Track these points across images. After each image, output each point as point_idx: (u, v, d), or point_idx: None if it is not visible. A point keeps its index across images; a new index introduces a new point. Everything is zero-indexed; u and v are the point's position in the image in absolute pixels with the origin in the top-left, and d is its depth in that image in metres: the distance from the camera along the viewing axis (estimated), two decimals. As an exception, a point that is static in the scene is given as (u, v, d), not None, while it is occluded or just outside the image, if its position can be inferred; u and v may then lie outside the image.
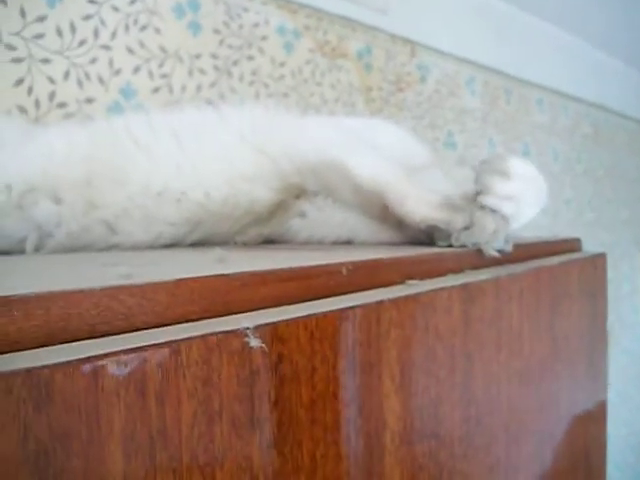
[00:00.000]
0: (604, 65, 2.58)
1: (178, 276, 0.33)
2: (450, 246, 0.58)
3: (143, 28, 1.02)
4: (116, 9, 0.98)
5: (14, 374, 0.25)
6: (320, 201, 0.73)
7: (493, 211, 0.56)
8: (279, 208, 0.71)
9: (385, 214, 0.62)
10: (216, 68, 1.12)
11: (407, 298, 0.43)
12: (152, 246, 0.69)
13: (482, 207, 0.57)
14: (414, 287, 0.46)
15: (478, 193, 0.56)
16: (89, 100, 0.95)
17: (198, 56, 1.09)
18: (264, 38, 1.20)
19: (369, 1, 1.42)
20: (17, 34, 0.89)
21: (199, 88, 1.09)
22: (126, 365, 0.28)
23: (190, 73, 1.08)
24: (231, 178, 0.70)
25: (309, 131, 0.72)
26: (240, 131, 0.74)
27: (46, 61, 0.91)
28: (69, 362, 0.26)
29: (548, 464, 0.67)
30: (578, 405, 0.74)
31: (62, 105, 0.93)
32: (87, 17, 0.95)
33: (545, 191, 0.60)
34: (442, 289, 0.47)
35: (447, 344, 0.48)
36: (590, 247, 0.82)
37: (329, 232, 0.72)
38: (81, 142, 0.69)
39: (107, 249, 0.68)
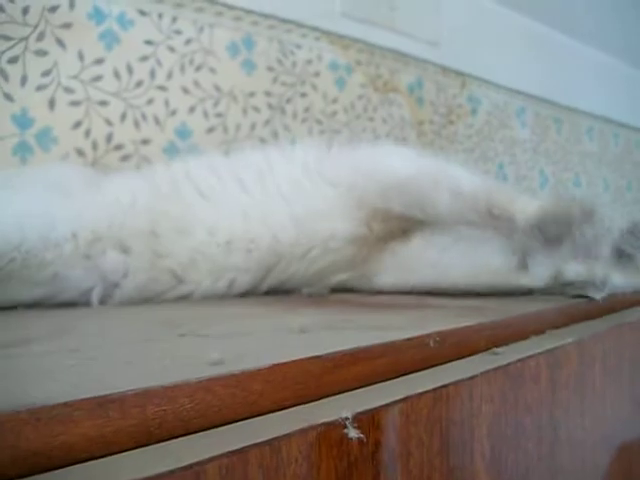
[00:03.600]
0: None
1: (271, 361, 0.32)
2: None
3: (198, 68, 1.01)
4: (172, 49, 0.98)
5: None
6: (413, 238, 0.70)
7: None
8: (363, 245, 0.69)
9: (485, 219, 0.60)
10: (270, 106, 1.11)
11: (497, 370, 0.41)
12: (224, 295, 0.68)
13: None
14: (501, 356, 0.44)
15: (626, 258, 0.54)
16: (145, 141, 0.95)
17: (252, 94, 1.09)
18: (316, 74, 1.19)
19: (420, 34, 1.41)
20: (75, 77, 0.89)
21: (253, 126, 1.08)
22: (228, 470, 0.26)
23: (244, 111, 1.07)
24: (300, 217, 0.69)
25: (392, 151, 0.71)
26: (305, 165, 0.72)
27: (103, 103, 0.91)
28: (172, 472, 0.24)
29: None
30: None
31: (119, 147, 0.92)
32: (144, 58, 0.95)
33: None
34: (529, 357, 0.45)
35: (535, 414, 0.45)
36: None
37: (417, 274, 0.69)
38: (144, 192, 0.69)
39: (174, 299, 0.67)
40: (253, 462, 0.27)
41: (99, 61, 0.91)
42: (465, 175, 0.64)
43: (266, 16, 1.10)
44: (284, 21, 1.13)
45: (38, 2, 0.85)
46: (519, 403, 0.43)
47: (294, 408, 0.32)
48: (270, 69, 1.12)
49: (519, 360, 0.44)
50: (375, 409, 0.32)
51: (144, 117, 0.95)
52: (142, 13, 0.95)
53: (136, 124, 0.94)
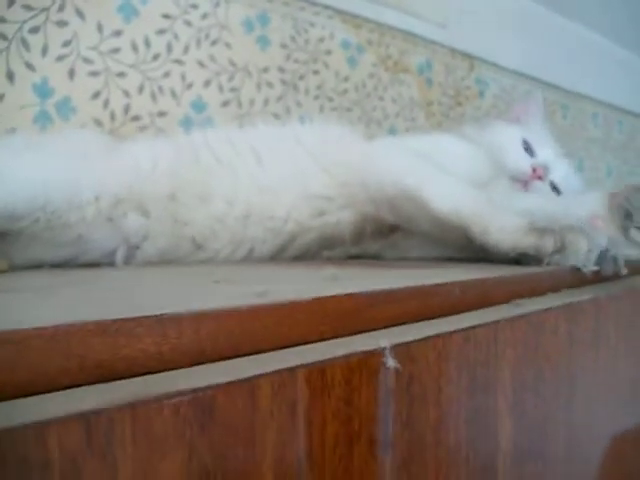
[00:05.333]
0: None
1: (310, 296, 0.33)
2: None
3: (214, 43, 1.03)
4: (189, 24, 0.99)
5: (180, 394, 0.25)
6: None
7: (586, 233, 0.55)
8: (364, 234, 0.71)
9: (467, 243, 0.61)
10: (283, 82, 1.12)
11: (520, 318, 0.43)
12: (244, 260, 0.70)
13: (572, 229, 0.56)
14: (522, 307, 0.45)
15: (629, 220, 0.55)
16: (161, 113, 0.96)
17: (266, 70, 1.10)
18: (329, 53, 1.21)
19: (429, 15, 1.42)
20: (94, 48, 0.90)
21: (266, 102, 1.10)
22: (279, 386, 0.27)
23: (258, 87, 1.09)
24: (310, 197, 0.71)
25: (380, 159, 0.71)
26: (312, 151, 0.74)
27: (122, 75, 0.92)
28: (231, 382, 0.26)
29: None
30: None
31: (136, 118, 0.94)
32: (161, 32, 0.96)
33: None
34: (549, 309, 0.46)
35: (553, 365, 0.47)
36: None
37: (419, 252, 0.71)
38: (165, 157, 0.70)
39: (195, 263, 0.68)
40: (301, 381, 0.28)
41: (117, 33, 0.92)
42: (446, 195, 0.62)
43: (280, -7, 1.12)
44: (298, -2, 1.14)
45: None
46: (539, 351, 0.45)
47: (335, 340, 0.33)
48: (284, 46, 1.13)
49: (540, 311, 0.45)
50: (411, 342, 0.34)
51: (161, 90, 0.96)
52: (159, -12, 0.96)
53: (153, 96, 0.96)
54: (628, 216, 0.58)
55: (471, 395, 0.39)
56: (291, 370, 0.28)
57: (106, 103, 0.91)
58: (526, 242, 0.55)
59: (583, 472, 0.53)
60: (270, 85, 1.11)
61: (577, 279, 0.55)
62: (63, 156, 0.66)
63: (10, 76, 0.83)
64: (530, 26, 1.76)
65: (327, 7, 1.20)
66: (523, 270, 0.52)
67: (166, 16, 0.97)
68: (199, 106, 1.01)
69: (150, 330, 0.27)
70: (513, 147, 0.84)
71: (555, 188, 0.84)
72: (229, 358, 0.29)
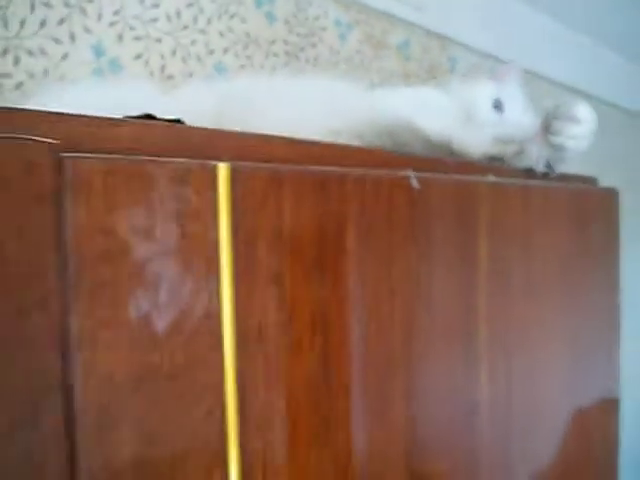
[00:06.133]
0: (613, 64, 2.79)
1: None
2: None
3: (232, 16, 1.22)
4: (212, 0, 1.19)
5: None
6: None
7: (541, 143, 0.76)
8: None
9: (450, 154, 0.82)
10: (287, 53, 1.32)
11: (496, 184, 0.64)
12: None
13: (528, 141, 0.77)
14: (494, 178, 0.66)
15: (549, 132, 0.76)
16: (190, 74, 1.15)
17: (273, 42, 1.29)
18: (324, 29, 1.40)
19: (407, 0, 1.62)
20: (137, 17, 1.08)
21: (274, 69, 1.29)
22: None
23: (266, 56, 1.28)
24: (330, 131, 0.90)
25: (382, 102, 0.91)
26: (327, 100, 0.93)
27: (158, 40, 1.11)
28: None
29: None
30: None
31: (170, 77, 1.12)
32: (189, 5, 1.15)
33: (595, 128, 0.80)
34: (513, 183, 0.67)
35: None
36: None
37: None
38: (205, 99, 0.89)
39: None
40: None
41: (156, 5, 1.11)
42: (433, 122, 0.83)
43: (284, -25, 1.31)
44: (298, -19, 1.34)
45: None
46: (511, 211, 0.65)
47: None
48: (287, 22, 1.32)
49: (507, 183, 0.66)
50: (425, 176, 0.54)
51: (189, 54, 1.15)
52: (188, -32, 1.15)
53: (183, 60, 1.14)
54: (548, 127, 0.78)
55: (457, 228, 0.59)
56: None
57: (146, 63, 1.09)
58: (494, 150, 0.76)
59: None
60: (276, 55, 1.30)
61: (529, 176, 0.76)
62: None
63: (72, 38, 1.01)
64: (495, 12, 1.97)
65: (322, -11, 1.40)
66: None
67: (193, -8, 1.16)
68: (220, 69, 1.20)
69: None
70: (483, 103, 1.05)
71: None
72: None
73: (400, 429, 0.52)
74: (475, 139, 0.78)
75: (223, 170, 0.37)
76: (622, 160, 2.97)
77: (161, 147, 0.37)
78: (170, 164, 0.35)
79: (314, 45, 1.38)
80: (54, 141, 0.30)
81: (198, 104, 0.86)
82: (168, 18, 1.12)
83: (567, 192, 0.80)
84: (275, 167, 0.41)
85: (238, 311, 0.37)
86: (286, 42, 1.32)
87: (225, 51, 1.21)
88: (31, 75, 0.95)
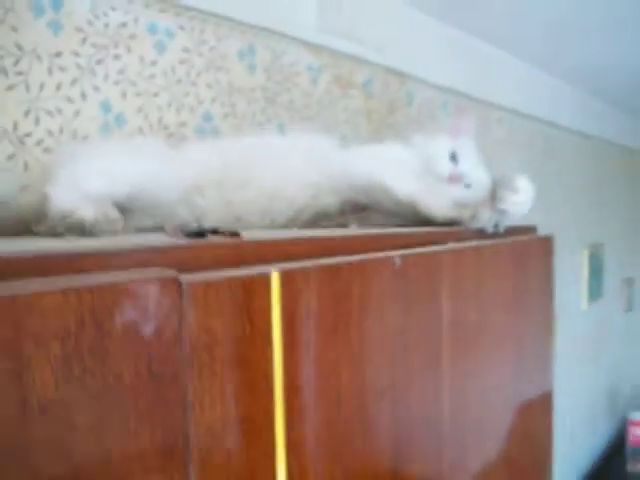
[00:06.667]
0: (554, 88, 3.01)
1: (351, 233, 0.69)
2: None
3: (218, 69, 1.36)
4: (201, 55, 1.33)
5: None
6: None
7: (490, 208, 0.92)
8: (345, 210, 1.07)
9: (418, 218, 0.98)
10: (266, 99, 1.47)
11: (457, 251, 0.80)
12: (268, 227, 1.04)
13: (482, 205, 0.93)
14: (450, 245, 0.82)
15: (496, 200, 0.93)
16: (183, 124, 1.30)
17: (253, 90, 1.44)
18: (297, 74, 1.56)
19: (370, 42, 1.79)
20: (138, 74, 1.22)
21: (254, 114, 1.44)
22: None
23: (248, 102, 1.43)
24: (310, 186, 1.06)
25: (357, 162, 1.07)
26: (309, 157, 1.09)
27: (156, 95, 1.25)
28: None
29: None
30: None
31: (166, 127, 1.27)
32: (182, 61, 1.30)
33: (533, 196, 0.97)
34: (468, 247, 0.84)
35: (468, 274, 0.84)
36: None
37: (383, 222, 1.07)
38: (213, 157, 1.04)
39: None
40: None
41: (153, 63, 1.25)
42: (403, 185, 0.99)
43: (263, 29, 1.46)
44: (275, 33, 1.49)
45: (115, 19, 1.18)
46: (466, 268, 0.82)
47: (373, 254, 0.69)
48: (265, 70, 1.48)
49: (461, 247, 0.82)
50: (413, 256, 0.70)
51: (182, 105, 1.30)
52: (181, 28, 1.29)
53: (177, 111, 1.29)
54: (494, 195, 0.96)
55: (424, 287, 0.75)
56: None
57: (146, 116, 1.23)
58: (452, 213, 0.93)
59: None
60: (256, 101, 1.45)
61: (481, 235, 0.93)
62: (151, 159, 0.98)
63: (84, 97, 1.14)
64: (448, 49, 2.16)
65: (295, 39, 1.55)
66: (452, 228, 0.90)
67: (185, 50, 1.30)
68: (208, 117, 1.34)
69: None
70: (440, 156, 1.21)
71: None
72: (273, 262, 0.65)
73: (387, 430, 0.69)
74: (438, 204, 0.94)
75: (275, 276, 0.52)
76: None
77: (227, 258, 0.52)
78: (243, 274, 0.50)
79: (289, 90, 1.54)
80: (174, 272, 0.45)
81: (206, 167, 1.01)
82: (164, 74, 1.26)
83: (510, 244, 0.97)
84: (304, 266, 0.56)
85: (285, 367, 0.53)
86: (264, 89, 1.47)
87: (212, 101, 1.36)
88: (50, 133, 1.09)
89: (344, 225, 1.09)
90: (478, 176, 1.24)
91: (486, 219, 0.92)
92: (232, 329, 0.49)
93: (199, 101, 1.33)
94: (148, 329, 0.43)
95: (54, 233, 0.73)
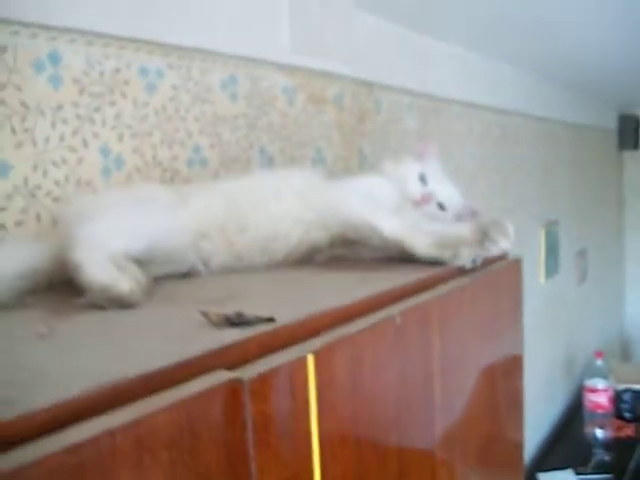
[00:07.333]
0: (506, 76, 3.14)
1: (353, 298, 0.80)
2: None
3: (204, 101, 1.45)
4: (188, 90, 1.41)
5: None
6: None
7: (475, 247, 1.04)
8: (335, 244, 1.18)
9: (402, 253, 1.09)
10: (248, 125, 1.56)
11: (447, 294, 0.91)
12: (267, 264, 1.14)
13: (461, 244, 1.05)
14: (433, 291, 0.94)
15: (487, 241, 1.04)
16: (175, 158, 1.38)
17: (236, 117, 1.53)
18: (275, 98, 1.65)
19: (339, 57, 1.88)
20: (133, 117, 1.30)
21: (238, 141, 1.53)
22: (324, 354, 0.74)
23: (232, 130, 1.52)
24: (303, 221, 1.16)
25: (347, 203, 1.17)
26: (299, 194, 1.19)
27: (149, 134, 1.33)
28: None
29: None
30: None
31: (160, 163, 1.35)
32: (172, 99, 1.38)
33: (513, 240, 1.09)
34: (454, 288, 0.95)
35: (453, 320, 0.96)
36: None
37: (371, 255, 1.18)
38: (215, 203, 1.13)
39: (235, 271, 1.11)
40: (340, 353, 0.75)
41: (145, 104, 1.33)
42: (388, 224, 1.09)
43: (243, 58, 1.55)
44: (254, 60, 1.58)
45: (109, 66, 1.26)
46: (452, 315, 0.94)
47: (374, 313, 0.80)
48: (246, 97, 1.56)
49: (447, 289, 0.94)
50: (410, 310, 0.81)
51: (173, 140, 1.38)
52: (170, 67, 1.37)
53: (169, 146, 1.37)
54: (485, 234, 1.07)
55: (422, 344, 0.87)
56: (330, 345, 0.75)
57: (142, 155, 1.32)
58: (434, 253, 1.04)
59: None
60: (239, 128, 1.54)
61: (461, 272, 1.05)
62: (160, 209, 1.07)
63: (85, 144, 1.22)
64: (405, 50, 2.26)
65: (272, 63, 1.64)
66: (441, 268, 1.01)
67: (174, 87, 1.38)
68: (197, 150, 1.43)
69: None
70: (411, 179, 1.32)
71: (441, 206, 1.32)
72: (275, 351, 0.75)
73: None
74: (421, 243, 1.05)
75: (310, 358, 0.63)
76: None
77: (266, 342, 0.63)
78: (285, 362, 0.61)
79: (267, 113, 1.63)
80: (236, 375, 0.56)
81: (210, 213, 1.11)
82: (156, 113, 1.34)
83: (486, 274, 1.09)
84: (328, 341, 0.68)
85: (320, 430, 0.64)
86: (245, 115, 1.56)
87: (200, 133, 1.44)
88: (57, 183, 1.17)
89: (336, 258, 1.20)
90: (448, 194, 1.35)
91: (466, 257, 1.03)
92: (280, 408, 0.60)
93: (188, 135, 1.42)
94: (221, 422, 0.53)
95: (96, 306, 0.82)
